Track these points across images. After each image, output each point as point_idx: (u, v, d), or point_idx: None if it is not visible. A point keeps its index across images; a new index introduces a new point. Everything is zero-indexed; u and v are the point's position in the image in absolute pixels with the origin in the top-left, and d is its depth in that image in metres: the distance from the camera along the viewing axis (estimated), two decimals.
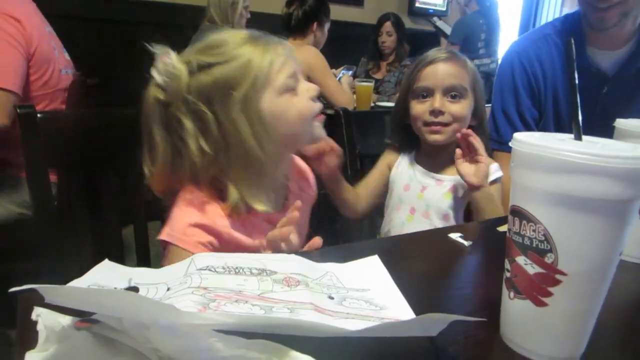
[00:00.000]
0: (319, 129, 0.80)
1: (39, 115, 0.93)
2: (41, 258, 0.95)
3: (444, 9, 4.20)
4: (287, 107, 0.75)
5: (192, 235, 0.73)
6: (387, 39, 3.23)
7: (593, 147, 0.45)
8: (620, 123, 0.76)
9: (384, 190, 1.24)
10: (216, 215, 0.75)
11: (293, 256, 0.61)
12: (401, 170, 1.20)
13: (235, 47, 0.74)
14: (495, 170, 1.12)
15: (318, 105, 0.79)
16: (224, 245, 0.75)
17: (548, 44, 1.29)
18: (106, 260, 0.57)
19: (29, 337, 0.41)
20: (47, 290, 0.38)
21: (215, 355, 0.38)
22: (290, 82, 0.76)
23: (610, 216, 0.43)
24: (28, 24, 1.45)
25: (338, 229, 2.25)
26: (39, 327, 0.41)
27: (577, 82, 0.49)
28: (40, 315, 0.42)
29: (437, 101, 1.07)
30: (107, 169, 1.02)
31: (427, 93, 1.10)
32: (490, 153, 1.32)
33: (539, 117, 1.33)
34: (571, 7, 4.84)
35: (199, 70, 0.73)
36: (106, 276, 0.53)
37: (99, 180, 1.02)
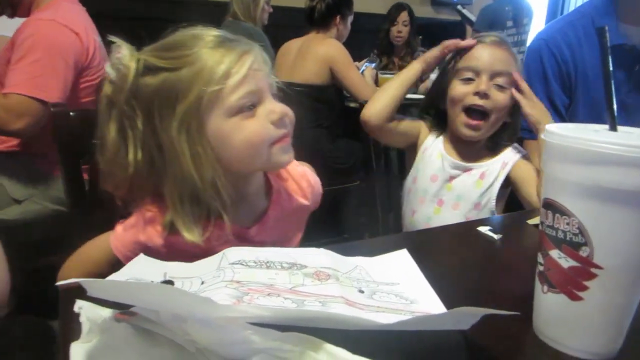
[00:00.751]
0: (279, 155, 0.68)
1: (71, 113, 0.96)
2: (74, 251, 0.98)
3: None
4: (235, 131, 0.64)
5: (128, 250, 0.69)
6: (404, 29, 3.15)
7: (628, 137, 0.44)
8: None
9: (405, 134, 1.19)
10: (155, 237, 0.68)
11: (322, 250, 0.62)
12: (429, 156, 1.15)
13: (193, 51, 0.64)
14: (519, 149, 1.12)
15: (277, 131, 0.67)
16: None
17: (575, 29, 1.27)
18: (141, 255, 0.58)
19: (72, 329, 0.43)
20: (90, 284, 0.39)
21: (251, 347, 0.39)
22: (245, 102, 0.64)
23: None
24: (85, 35, 1.50)
25: (362, 223, 2.26)
26: (82, 319, 0.43)
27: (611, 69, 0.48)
28: (82, 308, 0.44)
29: (484, 83, 1.03)
30: None
31: (473, 75, 1.05)
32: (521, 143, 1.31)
33: (568, 104, 1.32)
34: None
35: (145, 72, 0.64)
36: (142, 270, 0.54)
37: None
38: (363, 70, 2.51)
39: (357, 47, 2.29)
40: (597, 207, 0.43)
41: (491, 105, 1.04)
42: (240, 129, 0.64)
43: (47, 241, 1.48)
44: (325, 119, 2.23)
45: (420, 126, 1.20)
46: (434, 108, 1.17)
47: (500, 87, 1.04)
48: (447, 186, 1.12)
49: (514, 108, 1.07)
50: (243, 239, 0.72)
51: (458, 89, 1.07)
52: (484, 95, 1.03)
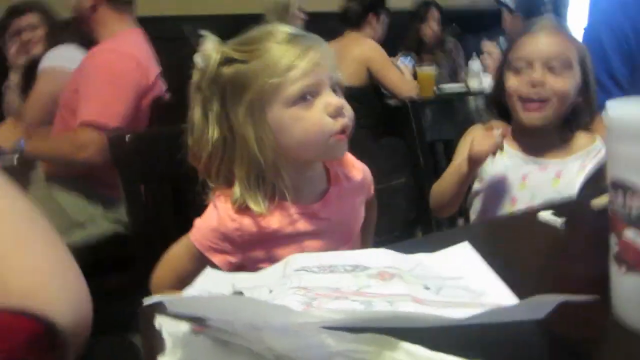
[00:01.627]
0: (337, 149, 0.74)
1: (127, 136, 1.01)
2: (137, 270, 1.02)
3: None
4: (295, 121, 0.70)
5: (207, 239, 0.74)
6: (435, 26, 3.09)
7: None
8: None
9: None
10: (227, 219, 0.73)
11: (382, 250, 0.62)
12: (493, 157, 1.09)
13: (263, 46, 0.71)
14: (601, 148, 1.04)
15: (337, 124, 0.71)
16: (245, 243, 0.74)
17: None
18: (208, 268, 0.60)
19: (155, 345, 0.45)
20: (170, 300, 0.41)
21: (328, 350, 0.40)
22: (303, 94, 0.69)
23: None
24: (145, 61, 1.59)
25: (413, 220, 2.23)
26: (164, 334, 0.45)
27: None
28: (163, 324, 0.46)
29: (537, 72, 0.98)
30: (192, 182, 1.07)
31: (526, 64, 1.01)
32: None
33: (630, 75, 1.29)
34: None
35: (224, 62, 0.72)
36: (212, 284, 0.56)
37: (185, 192, 1.08)
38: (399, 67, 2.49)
39: (384, 44, 2.27)
40: None
41: (548, 92, 0.99)
42: (298, 119, 0.70)
43: (112, 262, 1.55)
44: (367, 118, 2.22)
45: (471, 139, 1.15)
46: (496, 103, 1.12)
47: (556, 72, 0.99)
48: (521, 185, 1.06)
49: (585, 87, 1.02)
50: (309, 217, 0.76)
51: (512, 80, 1.03)
52: (539, 83, 0.98)
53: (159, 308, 0.46)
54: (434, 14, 3.11)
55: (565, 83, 0.99)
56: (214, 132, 0.73)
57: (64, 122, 1.59)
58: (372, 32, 2.28)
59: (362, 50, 2.14)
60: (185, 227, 1.03)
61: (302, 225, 0.76)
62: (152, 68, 1.65)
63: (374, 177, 0.93)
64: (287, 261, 0.59)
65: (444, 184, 1.10)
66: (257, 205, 0.72)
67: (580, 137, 1.07)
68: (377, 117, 2.29)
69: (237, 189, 0.73)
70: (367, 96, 2.21)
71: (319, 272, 0.55)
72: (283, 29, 0.73)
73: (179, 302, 0.41)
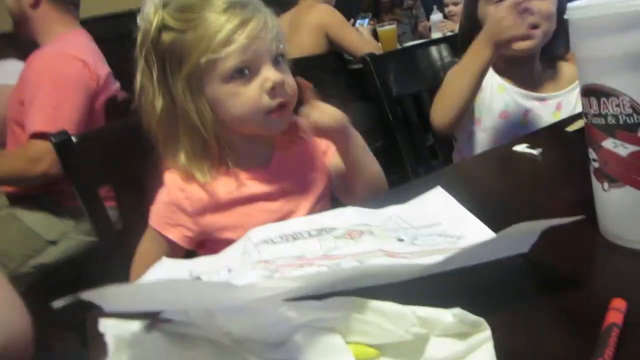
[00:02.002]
0: (274, 125, 0.71)
1: (73, 138, 0.93)
2: (112, 281, 0.96)
3: None
4: (229, 97, 0.67)
5: (161, 216, 0.74)
6: None
7: None
8: None
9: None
10: (175, 189, 0.73)
11: (350, 208, 0.57)
12: (490, 94, 1.03)
13: (199, 15, 0.66)
14: None
15: (274, 101, 0.68)
16: (202, 211, 0.72)
17: None
18: (164, 258, 0.55)
19: (101, 352, 0.39)
20: (103, 297, 0.36)
21: (290, 324, 0.35)
22: (239, 69, 0.66)
23: None
24: (93, 62, 1.50)
25: (393, 182, 2.19)
26: (107, 338, 0.39)
27: None
28: (107, 327, 0.41)
29: None
30: (153, 177, 1.01)
31: None
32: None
33: None
34: None
35: (163, 28, 0.68)
36: (166, 273, 0.51)
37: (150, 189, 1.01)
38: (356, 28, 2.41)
39: (340, 9, 2.18)
40: None
41: (536, 18, 0.92)
42: (234, 95, 0.67)
43: (93, 274, 1.49)
44: (333, 87, 2.16)
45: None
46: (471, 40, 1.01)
47: None
48: (522, 121, 1.00)
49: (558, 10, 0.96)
50: (257, 180, 0.74)
51: (491, 10, 0.95)
52: (524, 10, 0.90)
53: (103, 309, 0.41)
54: None
55: (550, 3, 0.93)
56: (158, 99, 0.70)
57: (15, 138, 1.50)
58: None
59: (318, 16, 2.06)
60: None
61: (252, 189, 0.74)
62: (101, 68, 1.57)
63: None
64: (248, 236, 0.54)
65: (457, 85, 0.96)
66: (202, 175, 0.71)
67: (568, 67, 1.03)
68: (344, 84, 2.22)
69: (182, 157, 0.71)
70: (330, 64, 2.14)
71: (281, 242, 0.50)
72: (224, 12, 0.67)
73: (110, 296, 0.36)
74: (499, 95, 1.01)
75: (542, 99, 1.00)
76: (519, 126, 1.00)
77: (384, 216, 0.55)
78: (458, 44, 1.10)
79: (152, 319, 0.42)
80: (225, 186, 0.73)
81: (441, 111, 0.97)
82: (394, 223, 0.53)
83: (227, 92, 0.67)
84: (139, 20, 0.70)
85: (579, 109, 0.93)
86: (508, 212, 0.55)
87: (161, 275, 0.50)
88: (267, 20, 0.68)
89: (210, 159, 0.72)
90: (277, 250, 0.48)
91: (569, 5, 0.41)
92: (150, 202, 0.94)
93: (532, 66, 1.01)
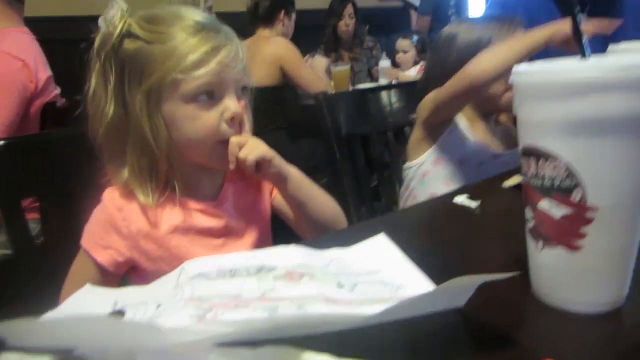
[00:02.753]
0: (220, 159, 0.69)
1: (0, 142, 0.86)
2: (28, 300, 0.89)
3: None
4: (189, 119, 0.66)
5: (93, 236, 0.70)
6: (350, 22, 3.12)
7: (604, 62, 0.40)
8: (614, 48, 0.71)
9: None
10: (113, 208, 0.70)
11: (292, 247, 0.56)
12: (457, 138, 1.08)
13: (169, 31, 0.66)
14: None
15: (227, 131, 0.68)
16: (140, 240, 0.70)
17: None
18: (87, 285, 0.51)
19: None
20: (9, 330, 0.32)
21: None
22: (203, 93, 0.66)
23: (637, 135, 0.38)
24: (34, 63, 1.42)
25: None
26: None
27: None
28: None
29: None
30: (86, 192, 0.95)
31: None
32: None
33: None
34: None
35: (127, 35, 0.67)
36: (87, 302, 0.47)
37: (79, 204, 0.95)
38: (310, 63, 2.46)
39: (299, 45, 2.23)
40: (584, 143, 0.38)
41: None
42: (193, 118, 0.66)
43: (3, 291, 1.36)
44: (284, 120, 2.17)
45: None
46: None
47: None
48: (476, 172, 1.06)
49: None
50: (203, 213, 0.72)
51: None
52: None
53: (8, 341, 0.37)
54: (349, 10, 3.13)
55: None
56: (110, 106, 0.67)
57: None
58: (284, 30, 2.23)
59: (274, 50, 2.09)
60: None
61: (195, 222, 0.72)
62: (42, 71, 1.50)
63: None
64: (183, 268, 0.51)
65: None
66: (145, 196, 0.68)
67: None
68: (295, 118, 2.24)
69: (125, 173, 0.68)
70: (283, 97, 2.16)
71: (218, 278, 0.48)
72: (195, 17, 0.68)
73: (23, 330, 0.32)
74: (460, 144, 1.06)
75: (495, 156, 1.06)
76: (471, 177, 1.05)
77: (326, 259, 0.54)
78: (419, 88, 1.15)
79: (64, 356, 0.38)
80: (167, 214, 0.70)
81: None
82: (336, 267, 0.53)
83: (186, 113, 0.66)
84: (101, 22, 0.68)
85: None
86: (447, 263, 0.56)
87: (82, 305, 0.46)
88: (239, 50, 0.69)
89: (156, 180, 0.69)
90: (212, 287, 0.46)
91: (515, 69, 0.43)
92: (78, 219, 0.89)
93: (488, 123, 1.08)
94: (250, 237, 0.77)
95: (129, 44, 0.66)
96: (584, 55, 0.43)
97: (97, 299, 0.48)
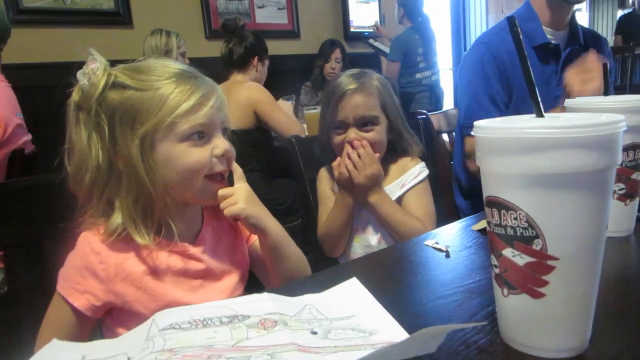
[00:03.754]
0: (210, 193, 0.74)
1: None
2: None
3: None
4: (180, 155, 0.69)
5: (69, 281, 0.70)
6: (337, 65, 3.28)
7: (557, 121, 0.43)
8: (570, 102, 0.76)
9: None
10: (89, 252, 0.70)
11: (265, 294, 0.56)
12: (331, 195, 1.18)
13: (159, 79, 0.69)
14: (420, 171, 1.14)
15: (217, 166, 0.72)
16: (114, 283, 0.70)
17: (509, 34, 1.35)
18: (54, 340, 0.50)
19: None
20: None
21: None
22: (196, 132, 0.70)
23: (591, 188, 0.41)
24: (2, 109, 1.45)
25: (310, 262, 2.20)
26: None
27: (527, 58, 0.47)
28: None
29: (352, 133, 1.09)
30: (52, 240, 0.93)
31: (342, 126, 1.11)
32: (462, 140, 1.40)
33: (508, 101, 1.40)
34: (496, 14, 5.11)
35: (114, 86, 0.69)
36: (56, 357, 0.46)
37: (45, 253, 0.93)
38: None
39: (272, 89, 2.28)
40: (542, 196, 0.41)
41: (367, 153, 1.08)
42: (185, 154, 0.70)
43: None
44: (257, 162, 2.18)
45: (329, 185, 1.21)
46: (328, 150, 1.18)
47: (368, 126, 1.09)
48: (357, 215, 1.15)
49: (393, 125, 1.13)
50: (180, 255, 0.74)
51: (335, 138, 1.12)
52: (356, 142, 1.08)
53: None
54: (336, 54, 3.27)
55: (378, 134, 1.10)
56: (98, 156, 0.69)
57: None
58: (257, 75, 2.27)
59: (247, 93, 2.12)
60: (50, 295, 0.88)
61: (174, 263, 0.73)
62: (10, 118, 1.49)
63: None
64: (153, 319, 0.50)
65: (333, 224, 1.14)
66: (141, 237, 0.69)
67: (403, 160, 1.17)
68: (268, 160, 2.26)
69: (118, 218, 0.69)
70: (256, 139, 2.18)
71: (190, 329, 0.48)
72: (178, 66, 0.73)
73: None
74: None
75: None
76: (356, 219, 1.15)
77: (299, 305, 0.54)
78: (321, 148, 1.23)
79: None
80: (146, 256, 0.71)
81: (326, 243, 1.19)
82: (309, 313, 0.53)
83: (180, 150, 0.69)
84: (80, 76, 0.69)
85: (396, 196, 1.12)
86: (418, 308, 0.57)
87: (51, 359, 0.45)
88: (222, 95, 0.75)
89: (150, 221, 0.70)
90: (184, 338, 0.46)
91: (476, 123, 0.46)
92: (44, 267, 0.86)
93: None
94: (229, 278, 0.78)
95: (114, 94, 0.69)
96: (539, 114, 0.46)
97: (65, 354, 0.47)
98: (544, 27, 1.40)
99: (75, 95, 0.70)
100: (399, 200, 1.13)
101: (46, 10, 2.62)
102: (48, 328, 0.71)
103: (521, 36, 0.47)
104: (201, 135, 0.70)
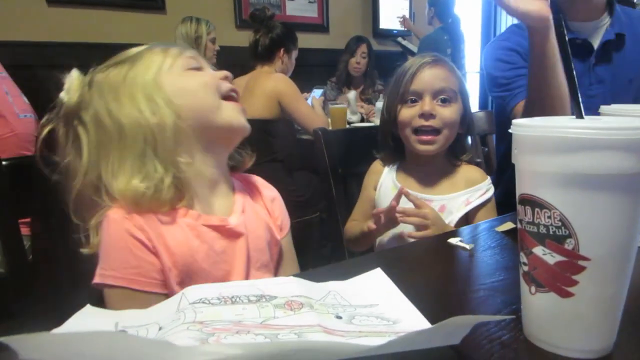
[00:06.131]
0: (232, 111, 0.74)
1: (3, 162, 0.88)
2: (18, 317, 0.88)
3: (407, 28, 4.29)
4: (189, 78, 0.72)
5: (123, 267, 0.63)
6: (362, 60, 3.30)
7: (597, 122, 0.43)
8: (605, 109, 0.75)
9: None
10: (125, 222, 0.65)
11: (291, 278, 0.57)
12: (384, 192, 1.14)
13: (140, 51, 0.74)
14: (487, 188, 1.08)
15: (226, 85, 0.75)
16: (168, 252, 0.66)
17: (523, 31, 1.28)
18: (88, 306, 0.52)
19: None
20: (21, 343, 0.33)
21: None
22: (193, 63, 0.74)
23: (627, 191, 0.41)
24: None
25: (327, 255, 2.20)
26: None
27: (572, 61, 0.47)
28: None
29: (427, 104, 1.02)
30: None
31: (416, 97, 1.04)
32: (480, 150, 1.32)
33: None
34: None
35: (91, 85, 0.70)
36: (89, 323, 0.48)
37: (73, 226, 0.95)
38: (309, 100, 2.51)
39: (299, 81, 2.29)
40: (577, 196, 0.41)
41: (439, 123, 1.03)
42: (193, 76, 0.73)
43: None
44: (280, 152, 2.20)
45: (372, 183, 1.18)
46: (389, 135, 1.13)
47: (445, 103, 1.03)
48: None
49: (465, 115, 1.08)
50: (216, 229, 0.71)
51: (404, 112, 1.06)
52: (429, 116, 1.02)
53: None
54: (362, 49, 3.28)
55: (453, 112, 1.04)
56: (104, 122, 0.68)
57: None
58: (283, 67, 2.28)
59: (273, 84, 2.13)
60: (76, 267, 0.90)
61: (209, 237, 0.70)
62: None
63: (289, 211, 0.89)
64: (184, 293, 0.52)
65: (353, 237, 1.13)
66: (161, 204, 0.66)
67: (470, 172, 1.11)
68: (291, 151, 2.27)
69: (138, 186, 0.65)
70: (280, 129, 2.19)
71: (219, 304, 0.49)
72: (159, 46, 0.76)
73: (33, 344, 0.33)
74: (391, 193, 1.09)
75: (428, 200, 1.06)
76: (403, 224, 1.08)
77: (324, 290, 0.55)
78: (379, 137, 1.18)
79: None
80: (179, 227, 0.68)
81: (347, 237, 1.18)
82: (333, 299, 0.54)
83: (187, 76, 0.72)
84: (62, 94, 0.69)
85: (460, 212, 1.05)
86: (440, 302, 0.57)
87: (83, 325, 0.47)
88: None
89: (174, 189, 0.67)
90: (214, 312, 0.47)
91: (515, 121, 0.46)
92: (69, 235, 0.88)
93: (428, 167, 1.10)
94: (265, 253, 0.78)
95: (99, 75, 0.71)
96: (580, 115, 0.46)
97: (99, 319, 0.49)
98: (568, 21, 1.27)
99: (62, 114, 0.69)
100: (464, 217, 1.05)
101: None
102: None
103: (567, 37, 0.47)
104: (198, 65, 0.75)
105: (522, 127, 0.44)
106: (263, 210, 0.82)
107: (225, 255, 0.71)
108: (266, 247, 0.78)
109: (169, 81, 0.70)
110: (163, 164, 0.67)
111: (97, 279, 0.64)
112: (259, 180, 0.87)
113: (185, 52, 0.75)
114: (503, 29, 5.13)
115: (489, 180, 1.10)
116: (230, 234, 0.72)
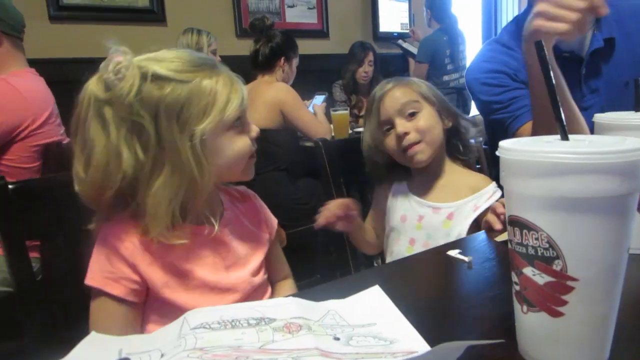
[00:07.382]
0: (251, 167, 0.81)
1: (10, 186, 0.90)
2: (27, 337, 0.90)
3: (407, 31, 4.29)
4: (229, 143, 0.75)
5: (100, 272, 0.70)
6: (369, 69, 3.32)
7: (581, 145, 0.44)
8: (599, 117, 0.76)
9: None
10: (113, 238, 0.71)
11: (291, 299, 0.58)
12: (397, 200, 1.17)
13: (192, 68, 0.71)
14: (494, 191, 1.09)
15: (253, 147, 0.79)
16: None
17: (508, 49, 1.27)
18: (93, 333, 0.53)
19: None
20: None
21: None
22: (238, 121, 0.75)
23: (612, 213, 0.42)
24: (33, 100, 1.51)
25: (333, 262, 2.21)
26: None
27: (553, 81, 0.48)
28: None
29: (399, 126, 1.07)
30: (85, 232, 0.97)
31: (390, 124, 1.10)
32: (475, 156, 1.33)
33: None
34: None
35: (152, 80, 0.68)
36: (93, 351, 0.49)
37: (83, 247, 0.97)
38: (311, 107, 2.52)
39: (300, 88, 2.30)
40: (563, 219, 0.42)
41: (416, 135, 1.07)
42: (232, 142, 0.75)
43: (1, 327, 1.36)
44: (283, 161, 2.21)
45: (385, 190, 1.21)
46: (380, 157, 1.16)
47: (413, 116, 1.08)
48: (417, 225, 1.11)
49: (443, 110, 1.12)
50: (215, 241, 0.78)
51: (388, 142, 1.11)
52: (404, 135, 1.06)
53: None
54: (369, 58, 3.32)
55: (425, 119, 1.08)
56: (137, 155, 0.68)
57: None
58: (284, 75, 2.30)
59: (274, 94, 2.15)
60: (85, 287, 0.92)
61: (199, 245, 0.76)
62: (45, 110, 1.55)
63: (293, 219, 0.93)
64: (185, 318, 0.53)
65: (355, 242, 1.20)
66: (177, 237, 0.71)
67: (474, 180, 1.13)
68: (294, 159, 2.29)
69: (156, 212, 0.69)
70: (283, 138, 2.20)
71: (219, 329, 0.50)
72: (193, 54, 0.75)
73: None
74: (404, 201, 1.15)
75: (435, 208, 1.10)
76: (414, 229, 1.11)
77: (322, 310, 0.57)
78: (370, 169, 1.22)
79: None
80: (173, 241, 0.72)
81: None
82: (332, 319, 0.55)
83: (227, 140, 0.74)
84: (103, 70, 0.67)
85: (470, 219, 1.06)
86: (438, 318, 0.58)
87: (88, 354, 0.48)
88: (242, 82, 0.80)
89: (180, 211, 0.72)
90: (214, 338, 0.48)
91: (501, 144, 0.47)
92: (78, 258, 0.90)
93: (428, 176, 1.14)
94: (253, 259, 0.83)
95: (152, 88, 0.68)
96: (564, 136, 0.47)
97: (103, 346, 0.50)
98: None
99: (97, 91, 0.67)
100: (474, 223, 1.05)
101: (84, 7, 2.70)
102: (95, 326, 0.71)
103: (548, 57, 0.48)
104: (239, 120, 0.76)
105: (508, 150, 0.45)
106: (249, 214, 0.88)
107: (209, 257, 0.78)
108: (250, 249, 0.84)
109: (211, 136, 0.71)
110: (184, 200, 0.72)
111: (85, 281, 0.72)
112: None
113: (241, 103, 0.74)
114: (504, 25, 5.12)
115: (494, 184, 1.11)
116: (217, 240, 0.78)
